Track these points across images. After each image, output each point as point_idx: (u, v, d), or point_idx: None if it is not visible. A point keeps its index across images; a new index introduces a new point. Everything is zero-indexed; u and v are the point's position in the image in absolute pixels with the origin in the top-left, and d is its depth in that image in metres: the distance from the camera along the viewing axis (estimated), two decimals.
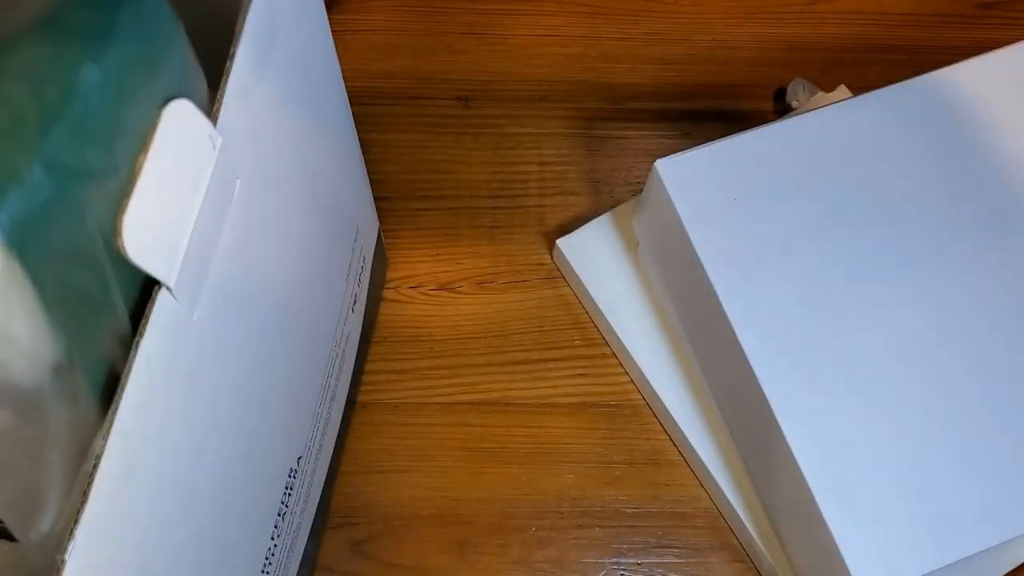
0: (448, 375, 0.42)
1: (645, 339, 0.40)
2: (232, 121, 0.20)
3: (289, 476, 0.31)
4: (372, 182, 0.38)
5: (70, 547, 0.17)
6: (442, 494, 0.40)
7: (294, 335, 0.29)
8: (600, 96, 0.48)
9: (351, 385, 0.39)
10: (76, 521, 0.17)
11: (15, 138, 0.16)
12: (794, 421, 0.32)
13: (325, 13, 0.27)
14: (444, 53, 0.48)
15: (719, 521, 0.40)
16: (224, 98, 0.20)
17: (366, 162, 0.36)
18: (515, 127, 0.47)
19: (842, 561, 0.30)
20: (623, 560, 0.39)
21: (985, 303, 0.34)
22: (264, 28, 0.22)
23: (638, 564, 0.39)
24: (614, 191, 0.46)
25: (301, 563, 0.35)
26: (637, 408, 0.42)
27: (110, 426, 0.17)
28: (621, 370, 0.42)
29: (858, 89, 0.40)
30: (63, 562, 0.17)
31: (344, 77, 0.31)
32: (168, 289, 0.19)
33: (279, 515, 0.30)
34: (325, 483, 0.37)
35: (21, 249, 0.15)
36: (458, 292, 0.43)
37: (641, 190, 0.39)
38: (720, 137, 0.36)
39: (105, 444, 0.17)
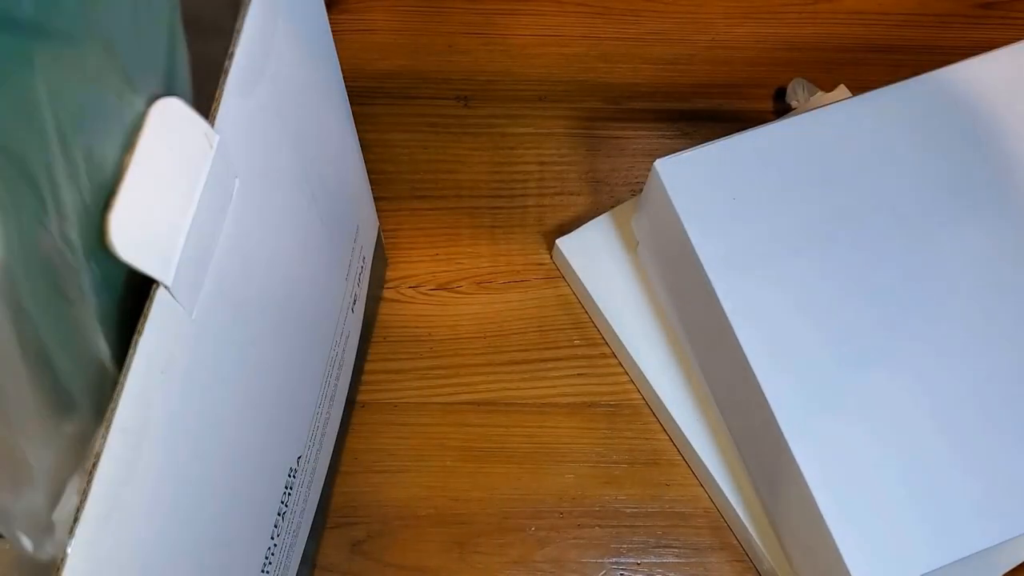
0: (448, 375, 0.42)
1: (645, 339, 0.40)
2: (231, 120, 0.20)
3: (289, 475, 0.31)
4: (372, 181, 0.38)
5: (70, 546, 0.17)
6: (441, 494, 0.40)
7: (294, 334, 0.29)
8: (600, 96, 0.48)
9: (351, 385, 0.39)
10: (76, 520, 0.17)
11: None
12: (794, 421, 0.32)
13: (325, 12, 0.27)
14: (444, 53, 0.48)
15: (719, 521, 0.40)
16: (223, 97, 0.20)
17: (366, 162, 0.36)
18: (515, 127, 0.47)
19: (842, 561, 0.30)
20: (623, 560, 0.39)
21: (985, 302, 0.34)
22: (264, 27, 0.22)
23: (638, 564, 0.39)
24: (614, 191, 0.46)
25: (301, 562, 0.35)
26: (637, 408, 0.42)
27: (110, 424, 0.17)
28: (621, 370, 0.42)
29: (858, 89, 0.40)
30: (63, 561, 0.17)
31: (344, 76, 0.31)
32: (166, 288, 0.19)
33: (279, 514, 0.30)
34: (325, 483, 0.37)
35: None
36: (458, 292, 0.43)
37: (641, 190, 0.39)
38: (720, 137, 0.36)
39: (105, 442, 0.17)
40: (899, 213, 0.35)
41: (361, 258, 0.37)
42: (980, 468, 0.31)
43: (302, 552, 0.35)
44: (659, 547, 0.39)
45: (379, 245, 0.41)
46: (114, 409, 0.18)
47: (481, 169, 0.46)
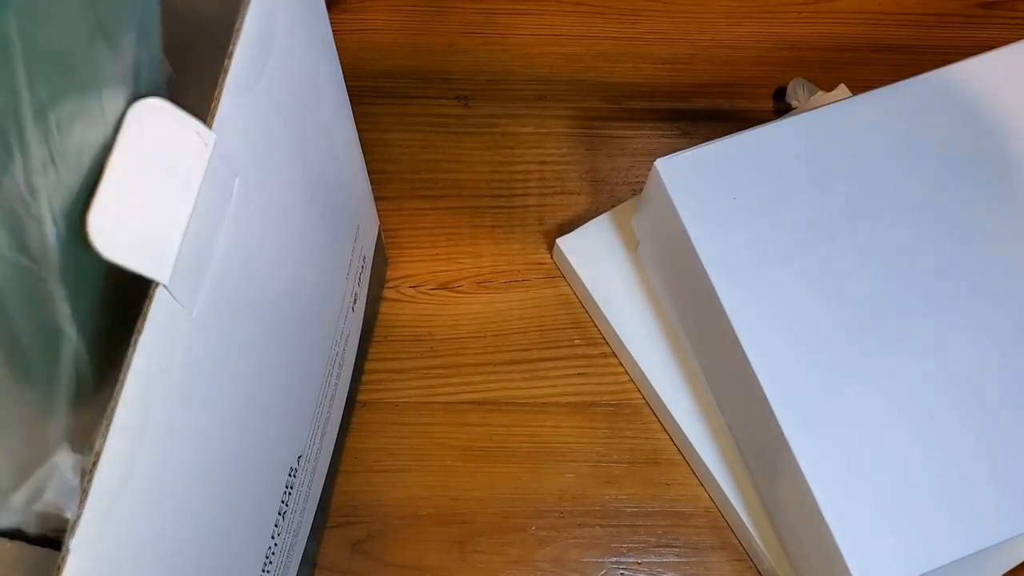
0: (448, 374, 0.42)
1: (645, 338, 0.40)
2: (230, 119, 0.20)
3: (289, 475, 0.31)
4: (372, 181, 0.38)
5: (70, 545, 0.17)
6: (442, 493, 0.40)
7: (294, 334, 0.29)
8: (600, 95, 0.48)
9: (351, 384, 0.39)
10: (77, 519, 0.17)
11: None
12: (794, 420, 0.32)
13: (326, 12, 0.27)
14: (444, 52, 0.48)
15: (719, 520, 0.40)
16: (222, 96, 0.20)
17: (366, 161, 0.37)
18: (515, 126, 0.47)
19: (842, 560, 0.30)
20: (623, 559, 0.39)
21: (985, 301, 0.34)
22: (264, 26, 0.22)
23: (638, 563, 0.39)
24: (614, 190, 0.46)
25: (301, 562, 0.35)
26: (637, 407, 0.42)
27: (109, 423, 0.17)
28: (621, 369, 0.42)
29: (858, 89, 0.40)
30: (64, 560, 0.17)
31: (344, 76, 0.31)
32: (165, 287, 0.19)
33: (279, 514, 0.30)
34: (325, 482, 0.37)
35: None
36: (458, 291, 0.43)
37: (641, 189, 0.39)
38: (720, 136, 0.36)
39: (104, 442, 0.17)
40: (899, 213, 0.35)
41: (362, 257, 0.37)
42: (980, 467, 0.31)
43: (302, 551, 0.35)
44: (660, 546, 0.39)
45: (379, 244, 0.41)
46: (114, 408, 0.18)
47: (481, 169, 0.46)
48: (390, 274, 0.44)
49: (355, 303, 0.37)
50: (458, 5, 0.49)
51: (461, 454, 0.41)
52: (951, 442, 0.32)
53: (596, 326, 0.43)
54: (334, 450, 0.38)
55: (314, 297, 0.31)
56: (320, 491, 0.36)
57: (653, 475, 0.40)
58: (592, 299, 0.41)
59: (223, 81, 0.20)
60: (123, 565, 0.19)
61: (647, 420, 0.41)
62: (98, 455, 0.17)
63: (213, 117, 0.20)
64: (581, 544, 0.39)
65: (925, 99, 0.36)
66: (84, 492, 0.17)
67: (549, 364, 0.42)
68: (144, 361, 0.18)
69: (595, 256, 0.42)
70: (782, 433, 0.32)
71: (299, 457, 0.32)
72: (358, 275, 0.37)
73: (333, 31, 0.28)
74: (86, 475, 0.17)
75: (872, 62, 0.49)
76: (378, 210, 0.40)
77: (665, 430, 0.41)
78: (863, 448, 0.32)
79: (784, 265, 0.34)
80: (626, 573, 0.39)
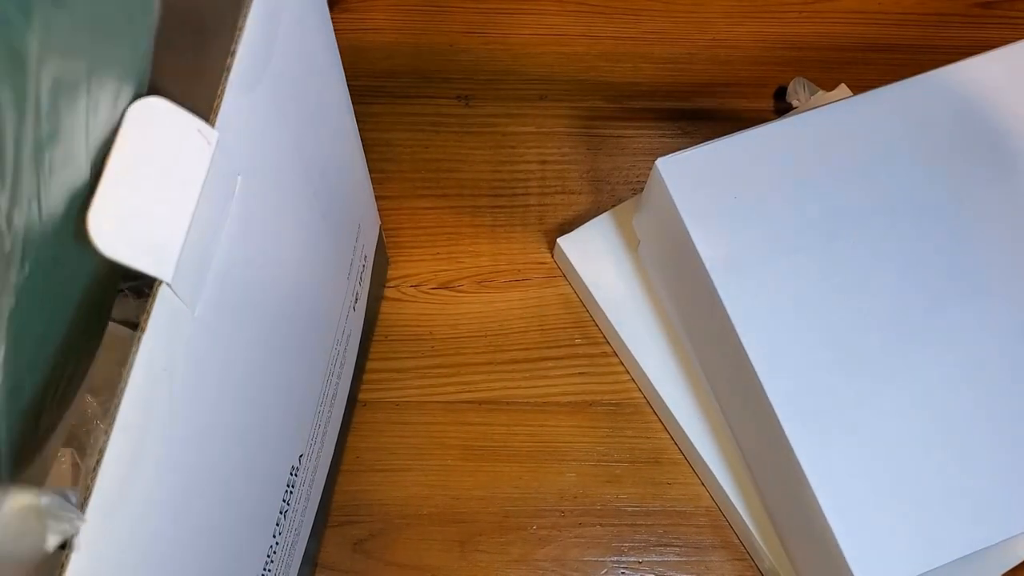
0: (449, 374, 0.42)
1: (646, 337, 0.40)
2: (233, 117, 0.21)
3: (291, 474, 0.31)
4: (373, 180, 0.38)
5: (73, 544, 0.17)
6: (443, 493, 0.40)
7: (296, 333, 0.29)
8: (601, 95, 0.48)
9: (352, 383, 0.39)
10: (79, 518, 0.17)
11: None
12: (795, 419, 0.32)
13: (327, 11, 0.27)
14: (445, 52, 0.48)
15: (720, 520, 0.40)
16: (225, 94, 0.20)
17: (367, 160, 0.37)
18: (516, 126, 0.47)
19: (843, 559, 0.30)
20: (624, 559, 0.39)
21: (985, 302, 0.34)
22: (266, 25, 0.22)
23: (639, 563, 0.39)
24: (615, 190, 0.46)
25: (302, 561, 0.35)
26: (638, 407, 0.42)
27: (112, 422, 0.17)
28: (622, 369, 0.42)
29: (858, 88, 0.40)
30: (67, 559, 0.17)
31: (345, 75, 0.31)
32: (168, 285, 0.19)
33: (281, 513, 0.31)
34: (326, 481, 0.37)
35: None
36: (459, 291, 0.43)
37: (642, 189, 0.39)
38: (721, 136, 0.36)
39: (107, 440, 0.17)
40: (900, 212, 0.35)
41: (363, 257, 0.37)
42: (980, 467, 0.31)
43: (304, 551, 0.35)
44: (660, 546, 0.40)
45: (381, 244, 0.41)
46: (117, 407, 0.18)
47: (482, 168, 0.46)
48: (391, 273, 0.44)
49: (356, 302, 0.37)
50: (459, 5, 0.49)
51: (462, 453, 0.41)
52: (952, 441, 0.32)
53: (597, 325, 0.43)
54: (335, 449, 0.38)
55: (316, 296, 0.31)
56: (321, 490, 0.36)
57: (654, 474, 0.41)
58: (593, 298, 0.41)
59: (225, 79, 0.20)
60: (125, 563, 0.19)
61: (648, 419, 0.41)
62: (101, 453, 0.17)
63: (216, 115, 0.20)
64: (582, 543, 0.39)
65: (925, 99, 0.36)
66: (87, 489, 0.17)
67: (550, 363, 0.42)
68: (147, 359, 0.18)
69: (596, 255, 0.42)
70: (783, 432, 0.32)
71: (300, 456, 0.32)
72: (359, 274, 0.37)
73: (335, 30, 0.28)
74: (90, 473, 0.17)
75: (872, 62, 0.49)
76: (379, 209, 0.40)
77: (666, 429, 0.41)
78: (864, 447, 0.32)
79: (785, 264, 0.34)
80: (627, 572, 0.39)
